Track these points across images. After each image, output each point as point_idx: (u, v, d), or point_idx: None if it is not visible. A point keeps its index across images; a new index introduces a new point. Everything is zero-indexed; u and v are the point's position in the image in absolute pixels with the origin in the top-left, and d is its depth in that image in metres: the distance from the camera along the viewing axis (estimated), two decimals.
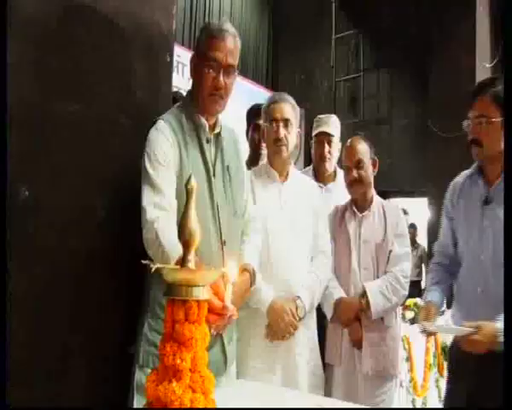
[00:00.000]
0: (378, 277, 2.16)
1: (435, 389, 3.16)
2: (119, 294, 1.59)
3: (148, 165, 1.44)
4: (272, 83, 8.17)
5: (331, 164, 2.61)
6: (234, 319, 1.29)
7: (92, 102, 1.54)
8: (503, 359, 1.29)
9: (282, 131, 1.96)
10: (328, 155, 2.57)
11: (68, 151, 1.47)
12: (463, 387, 1.77)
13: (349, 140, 2.28)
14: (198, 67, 1.56)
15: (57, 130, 1.44)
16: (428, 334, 1.96)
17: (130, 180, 1.53)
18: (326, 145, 2.57)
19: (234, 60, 1.55)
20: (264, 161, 2.68)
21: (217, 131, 1.61)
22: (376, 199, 2.26)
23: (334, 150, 2.61)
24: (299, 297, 1.89)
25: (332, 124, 2.64)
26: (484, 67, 5.61)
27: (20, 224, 1.32)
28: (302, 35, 8.01)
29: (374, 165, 2.25)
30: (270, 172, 2.03)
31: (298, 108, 2.07)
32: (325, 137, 2.58)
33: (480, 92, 1.73)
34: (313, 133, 2.65)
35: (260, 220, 1.82)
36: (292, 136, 2.00)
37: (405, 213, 5.87)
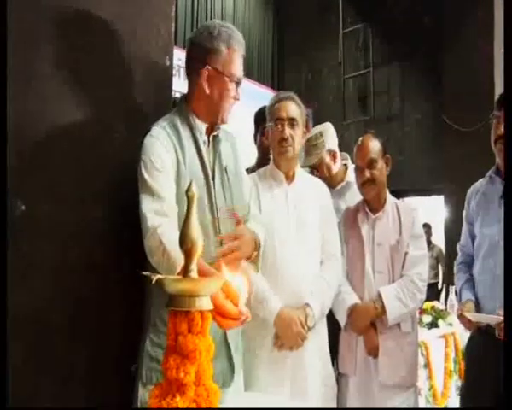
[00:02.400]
0: (394, 281, 2.14)
1: (457, 398, 3.12)
2: (119, 307, 1.60)
3: (144, 172, 1.46)
4: (278, 83, 8.18)
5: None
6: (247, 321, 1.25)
7: (90, 110, 1.55)
8: (503, 358, 1.29)
9: (288, 131, 1.96)
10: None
11: (66, 162, 1.49)
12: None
13: (360, 138, 2.26)
14: (214, 80, 1.56)
15: (54, 140, 1.46)
16: (469, 326, 2.09)
17: (130, 190, 1.54)
18: None
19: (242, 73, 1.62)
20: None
21: (214, 133, 1.63)
22: (390, 199, 2.25)
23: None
24: (308, 305, 1.89)
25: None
26: (503, 54, 5.54)
27: (17, 238, 1.33)
28: (308, 32, 8.00)
29: (387, 163, 2.23)
30: (275, 174, 2.02)
31: (303, 108, 2.06)
32: None
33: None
34: None
35: (265, 224, 1.80)
36: (298, 136, 2.00)
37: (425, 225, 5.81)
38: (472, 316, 2.02)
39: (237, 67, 1.58)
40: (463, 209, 2.30)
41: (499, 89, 5.23)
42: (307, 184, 2.09)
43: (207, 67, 1.55)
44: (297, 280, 1.90)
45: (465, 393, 2.25)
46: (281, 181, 2.02)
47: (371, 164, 2.16)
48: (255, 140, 2.70)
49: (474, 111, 5.30)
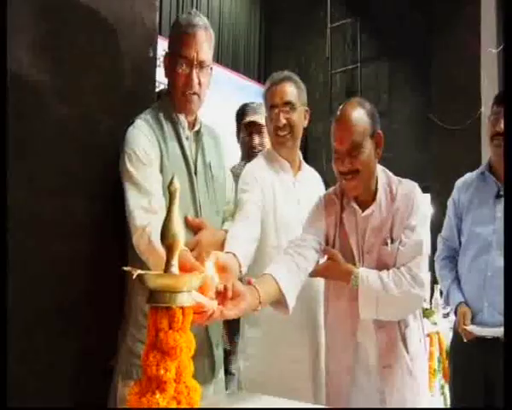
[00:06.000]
0: None
1: (440, 397, 3.17)
2: (102, 300, 1.59)
3: (129, 165, 1.45)
4: (265, 77, 8.18)
5: None
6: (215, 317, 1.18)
7: (73, 101, 1.54)
8: (503, 358, 1.31)
9: (283, 118, 1.84)
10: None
11: (49, 153, 1.47)
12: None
13: (340, 108, 1.65)
14: (170, 66, 1.57)
15: (37, 131, 1.44)
16: (469, 336, 2.03)
17: (113, 182, 1.53)
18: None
19: (206, 55, 1.57)
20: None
21: (196, 128, 1.63)
22: (381, 182, 1.67)
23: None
24: None
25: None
26: (490, 53, 5.62)
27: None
28: (295, 26, 8.02)
29: (378, 143, 1.63)
30: (282, 164, 1.91)
31: (303, 86, 1.93)
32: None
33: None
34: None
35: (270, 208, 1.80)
36: (296, 119, 1.86)
37: None
38: (478, 331, 1.96)
39: (188, 48, 1.53)
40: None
41: (486, 87, 5.31)
42: (311, 174, 2.04)
43: (165, 52, 1.61)
44: None
45: (452, 391, 2.25)
46: (287, 171, 1.91)
47: (354, 149, 1.57)
48: (237, 138, 2.68)
49: (460, 109, 5.37)
